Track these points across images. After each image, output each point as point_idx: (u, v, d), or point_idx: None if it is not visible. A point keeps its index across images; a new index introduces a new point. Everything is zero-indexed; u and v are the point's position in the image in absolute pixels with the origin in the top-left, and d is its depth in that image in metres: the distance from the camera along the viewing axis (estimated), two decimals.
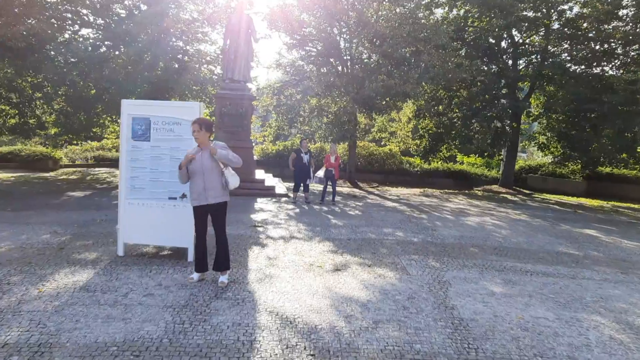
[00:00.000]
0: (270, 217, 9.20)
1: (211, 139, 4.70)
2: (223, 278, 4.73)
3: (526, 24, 17.49)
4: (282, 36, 16.86)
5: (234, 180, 4.60)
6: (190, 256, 5.51)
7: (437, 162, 21.78)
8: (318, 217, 9.51)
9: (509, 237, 8.39)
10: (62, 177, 16.56)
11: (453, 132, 18.91)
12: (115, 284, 4.61)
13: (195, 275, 4.78)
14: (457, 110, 20.03)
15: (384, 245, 7.04)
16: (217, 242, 4.71)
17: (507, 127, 18.14)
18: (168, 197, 5.53)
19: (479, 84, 17.50)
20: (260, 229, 7.88)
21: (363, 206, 11.75)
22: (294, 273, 5.32)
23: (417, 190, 17.73)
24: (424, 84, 14.81)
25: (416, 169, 21.47)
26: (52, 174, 18.01)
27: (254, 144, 16.82)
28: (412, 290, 4.89)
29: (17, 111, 14.59)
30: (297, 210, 10.50)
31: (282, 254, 6.24)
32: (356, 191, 16.06)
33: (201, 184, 4.52)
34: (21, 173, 17.24)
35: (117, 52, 16.66)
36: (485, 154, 19.06)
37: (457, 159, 25.12)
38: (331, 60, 16.32)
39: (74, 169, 20.81)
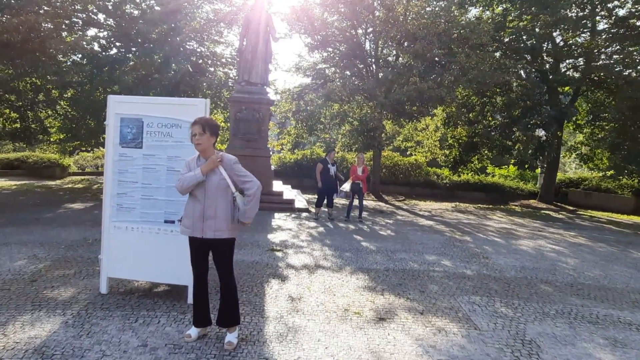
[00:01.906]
0: (291, 238, 7.96)
1: (217, 148, 3.51)
2: (231, 337, 3.47)
3: (569, 24, 16.04)
4: (303, 37, 15.74)
5: (250, 211, 3.37)
6: (191, 297, 4.29)
7: (467, 173, 20.31)
8: (346, 239, 8.23)
9: (580, 269, 6.98)
10: (67, 186, 15.65)
11: (488, 142, 17.43)
12: (85, 343, 3.40)
13: (194, 332, 3.54)
14: (490, 118, 18.59)
15: (432, 280, 5.72)
16: (221, 288, 3.47)
17: (550, 137, 16.58)
18: (164, 220, 4.33)
19: (519, 88, 16.03)
20: (279, 254, 6.65)
21: (394, 224, 10.43)
22: (325, 324, 4.05)
23: (448, 205, 16.32)
24: (460, 87, 13.45)
25: (445, 181, 20.03)
26: (58, 182, 17.15)
27: (271, 153, 15.67)
28: (491, 358, 3.57)
29: (18, 115, 13.71)
30: (321, 228, 9.24)
31: (308, 291, 4.98)
32: (382, 205, 14.75)
33: (199, 208, 3.33)
34: (26, 181, 16.42)
35: (129, 55, 15.80)
36: (526, 165, 17.49)
37: (488, 171, 23.60)
38: (356, 62, 15.09)
39: (82, 177, 19.97)
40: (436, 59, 13.22)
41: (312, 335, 3.79)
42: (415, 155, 21.45)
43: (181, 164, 4.23)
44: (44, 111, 13.91)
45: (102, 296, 4.44)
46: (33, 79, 12.21)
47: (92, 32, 15.25)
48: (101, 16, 15.25)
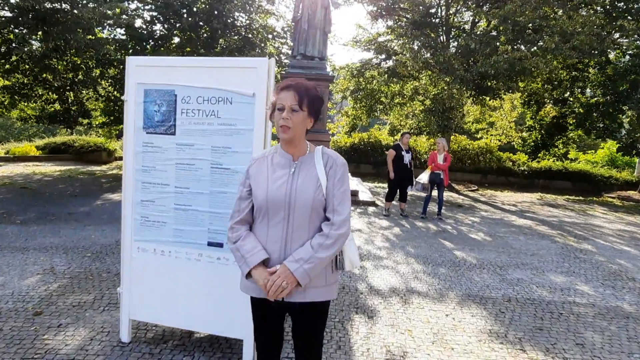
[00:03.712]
0: (364, 244, 6.48)
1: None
2: None
3: None
4: (365, 4, 13.96)
5: (351, 253, 1.95)
6: (248, 356, 2.91)
7: (549, 159, 17.92)
8: (432, 245, 6.65)
9: None
10: (111, 172, 14.94)
11: (586, 123, 15.00)
12: None
13: None
14: (580, 95, 16.10)
15: (582, 320, 4.05)
16: None
17: None
18: (207, 243, 2.94)
19: (628, 57, 13.46)
20: (356, 270, 5.18)
21: (483, 224, 8.70)
22: None
23: (530, 196, 14.24)
24: (560, 57, 11.22)
25: (522, 168, 17.77)
26: (103, 167, 16.56)
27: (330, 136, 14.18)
28: None
29: (56, 96, 12.97)
30: (397, 229, 7.69)
31: (411, 339, 3.48)
32: (455, 196, 12.95)
33: (276, 244, 1.85)
34: (71, 166, 15.90)
35: (174, 31, 14.71)
36: (634, 151, 14.92)
37: (570, 156, 21.01)
38: (426, 31, 13.14)
39: None
40: (529, 24, 11.06)
41: None
42: (486, 138, 19.25)
43: (233, 159, 2.82)
44: (84, 92, 13.12)
45: (121, 347, 3.15)
46: (72, 56, 11.36)
47: (134, 5, 14.24)
48: None
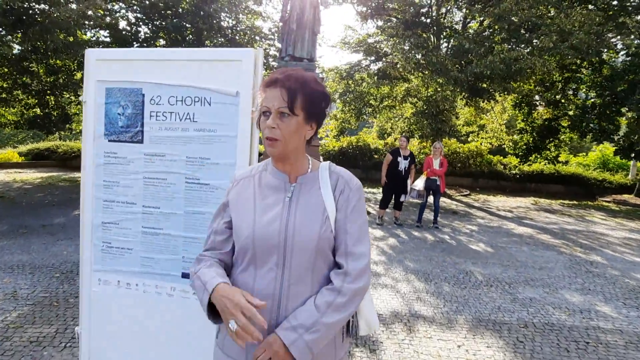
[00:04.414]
0: None
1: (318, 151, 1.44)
2: None
3: None
4: (355, 4, 13.51)
5: (368, 311, 1.41)
6: None
7: (541, 162, 17.60)
8: (432, 258, 6.16)
9: None
10: None
11: (581, 125, 14.65)
12: None
13: None
14: (572, 97, 15.80)
15: (613, 352, 3.57)
16: None
17: None
18: (181, 274, 2.40)
19: (627, 57, 13.07)
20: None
21: (481, 232, 8.24)
22: None
23: (524, 200, 13.88)
24: (557, 56, 10.83)
25: (513, 172, 17.41)
26: None
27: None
28: None
29: (36, 100, 12.24)
30: (392, 240, 7.19)
31: None
32: (448, 202, 12.52)
33: (268, 295, 1.29)
34: (53, 173, 15.17)
35: (159, 33, 14.12)
36: (632, 154, 14.55)
37: (560, 159, 20.75)
38: (417, 30, 12.69)
39: None
40: (525, 23, 10.65)
41: None
42: (476, 141, 18.88)
43: (212, 172, 2.30)
44: (65, 96, 12.44)
45: None
46: (51, 59, 10.70)
47: (117, 6, 13.60)
48: None
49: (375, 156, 16.83)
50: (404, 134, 12.47)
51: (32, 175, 14.18)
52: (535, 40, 10.95)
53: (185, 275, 2.38)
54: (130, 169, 2.42)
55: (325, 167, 1.39)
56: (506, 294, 4.81)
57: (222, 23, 14.30)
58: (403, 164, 8.14)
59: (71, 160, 17.63)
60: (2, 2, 7.82)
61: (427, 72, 11.97)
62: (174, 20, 13.26)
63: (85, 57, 2.46)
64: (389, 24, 13.20)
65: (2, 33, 10.33)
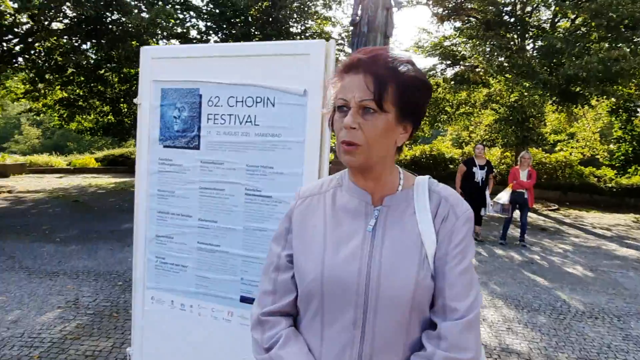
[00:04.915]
0: None
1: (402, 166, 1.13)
2: None
3: None
4: (431, 6, 13.02)
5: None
6: None
7: None
8: (521, 281, 5.55)
9: None
10: None
11: None
12: None
13: None
14: None
15: None
16: None
17: None
18: (240, 298, 2.17)
19: None
20: None
21: (576, 252, 7.42)
22: None
23: (623, 218, 12.51)
24: None
25: (610, 185, 15.84)
26: None
27: None
28: None
29: (110, 108, 13.00)
30: (473, 259, 6.62)
31: None
32: (534, 217, 11.58)
33: (344, 354, 0.95)
34: (126, 179, 16.05)
35: (228, 40, 14.50)
36: None
37: None
38: (499, 31, 11.94)
39: None
40: (626, 19, 9.58)
41: None
42: (565, 150, 17.47)
43: (276, 183, 2.06)
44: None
45: None
46: (124, 67, 11.30)
47: (187, 16, 14.15)
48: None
49: (451, 166, 16.16)
50: (481, 142, 11.70)
51: (106, 181, 15.08)
52: (637, 39, 9.84)
53: (244, 300, 2.15)
54: (186, 177, 2.23)
55: (422, 184, 1.04)
56: (615, 329, 4.15)
57: (291, 29, 14.41)
58: (479, 174, 7.56)
59: None
60: (78, 13, 8.32)
61: (510, 76, 11.13)
62: (242, 27, 13.56)
63: (140, 56, 2.33)
64: (468, 24, 12.55)
65: (77, 43, 11.08)
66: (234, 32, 13.94)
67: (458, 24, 13.23)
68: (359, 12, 10.67)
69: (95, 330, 3.62)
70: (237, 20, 13.83)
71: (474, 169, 7.67)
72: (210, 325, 2.23)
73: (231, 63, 2.12)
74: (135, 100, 2.36)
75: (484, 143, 12.10)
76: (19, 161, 18.24)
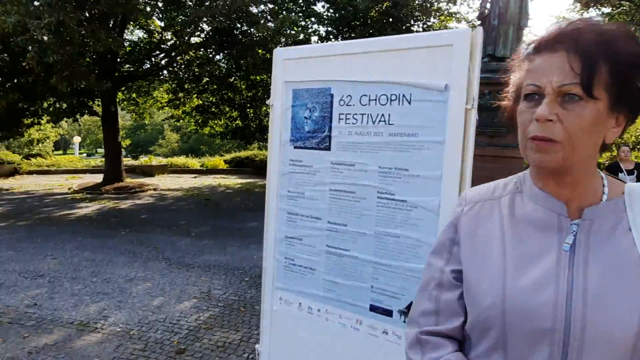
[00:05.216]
0: None
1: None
2: None
3: None
4: None
5: None
6: None
7: None
8: None
9: None
10: None
11: None
12: None
13: None
14: None
15: None
16: None
17: None
18: (370, 307, 2.08)
19: None
20: None
21: None
22: None
23: None
24: None
25: None
26: None
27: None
28: None
29: (238, 113, 14.01)
30: None
31: None
32: None
33: None
34: (250, 180, 17.11)
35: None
36: None
37: None
38: None
39: None
40: None
41: None
42: None
43: (411, 186, 1.92)
44: (263, 109, 13.93)
45: None
46: (251, 74, 12.11)
47: (309, 22, 14.62)
48: (319, 6, 14.56)
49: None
50: (627, 143, 10.19)
51: (233, 181, 16.20)
52: None
53: (373, 309, 2.05)
54: (316, 179, 2.20)
55: (633, 192, 0.83)
56: None
57: (411, 28, 14.10)
58: (628, 180, 6.52)
59: (266, 168, 19.71)
60: (213, 26, 9.09)
61: None
62: (362, 29, 13.60)
63: (273, 58, 2.36)
64: (620, 9, 11.05)
65: (212, 54, 12.08)
66: (353, 35, 14.07)
67: (607, 9, 11.72)
68: (488, 4, 9.99)
69: (225, 322, 3.83)
70: (357, 22, 13.90)
71: (621, 175, 6.66)
72: (338, 332, 2.17)
73: (364, 60, 2.04)
74: (267, 102, 2.40)
75: (627, 143, 10.55)
76: (162, 162, 20.69)
